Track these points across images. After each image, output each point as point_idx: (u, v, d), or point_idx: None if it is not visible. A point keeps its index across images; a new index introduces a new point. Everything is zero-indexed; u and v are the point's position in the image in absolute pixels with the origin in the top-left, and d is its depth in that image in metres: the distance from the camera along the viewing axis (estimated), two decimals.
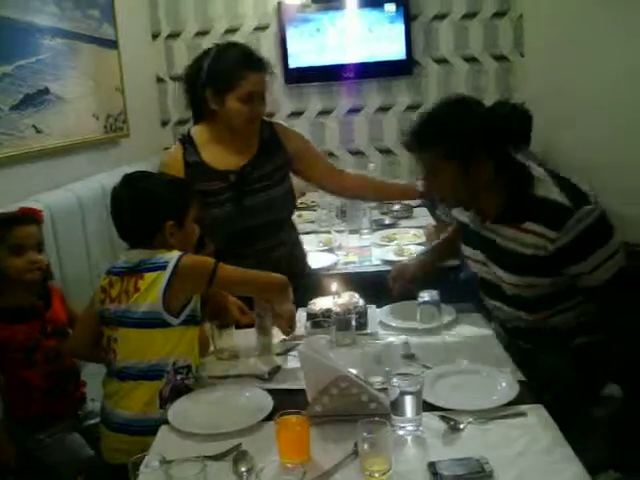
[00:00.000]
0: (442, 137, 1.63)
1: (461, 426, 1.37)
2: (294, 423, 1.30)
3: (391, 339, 1.81)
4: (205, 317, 1.85)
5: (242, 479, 1.25)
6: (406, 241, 2.88)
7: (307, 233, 2.97)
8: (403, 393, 1.37)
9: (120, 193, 1.74)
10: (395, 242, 2.88)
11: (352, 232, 3.02)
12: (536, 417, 1.39)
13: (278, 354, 1.81)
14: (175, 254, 1.65)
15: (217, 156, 2.12)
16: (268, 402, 1.51)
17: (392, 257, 2.64)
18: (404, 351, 1.73)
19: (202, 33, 4.29)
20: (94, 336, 1.76)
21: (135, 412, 1.63)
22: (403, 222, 3.33)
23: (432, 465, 1.24)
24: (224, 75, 2.01)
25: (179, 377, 1.66)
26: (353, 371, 1.49)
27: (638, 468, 1.63)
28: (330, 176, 2.31)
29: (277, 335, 1.85)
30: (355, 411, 1.39)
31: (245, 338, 1.87)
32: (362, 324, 1.89)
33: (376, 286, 2.21)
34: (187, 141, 2.15)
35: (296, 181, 2.28)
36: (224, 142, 2.13)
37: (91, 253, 2.63)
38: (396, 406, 1.38)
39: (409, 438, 1.36)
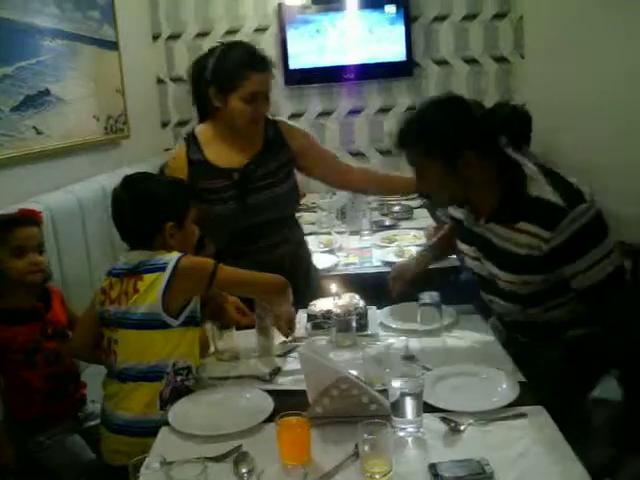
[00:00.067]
0: (422, 136, 1.62)
1: (462, 427, 1.37)
2: (295, 424, 1.30)
3: (391, 340, 1.81)
4: (205, 317, 1.86)
5: None
6: (406, 242, 2.88)
7: (307, 234, 2.95)
8: (404, 394, 1.37)
9: (120, 194, 1.74)
10: (395, 243, 2.89)
11: (352, 233, 3.02)
12: (537, 418, 1.39)
13: (278, 355, 1.81)
14: (174, 255, 1.65)
15: (221, 154, 2.12)
16: (269, 403, 1.51)
17: (392, 258, 2.64)
18: (404, 352, 1.73)
19: (202, 34, 4.29)
20: (94, 337, 1.76)
21: (135, 413, 1.63)
22: (403, 223, 3.34)
23: (433, 466, 1.24)
24: (228, 75, 2.01)
25: (179, 378, 1.66)
26: (353, 372, 1.50)
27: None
28: (335, 172, 2.31)
29: (277, 336, 1.84)
30: (356, 412, 1.39)
31: (245, 339, 1.87)
32: (362, 325, 1.90)
33: (376, 287, 2.21)
34: (191, 140, 2.16)
35: (298, 179, 2.29)
36: (228, 140, 2.13)
37: (91, 254, 2.63)
38: (397, 407, 1.38)
39: (410, 439, 1.36)
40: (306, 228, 3.17)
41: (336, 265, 2.68)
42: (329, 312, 1.88)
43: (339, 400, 1.40)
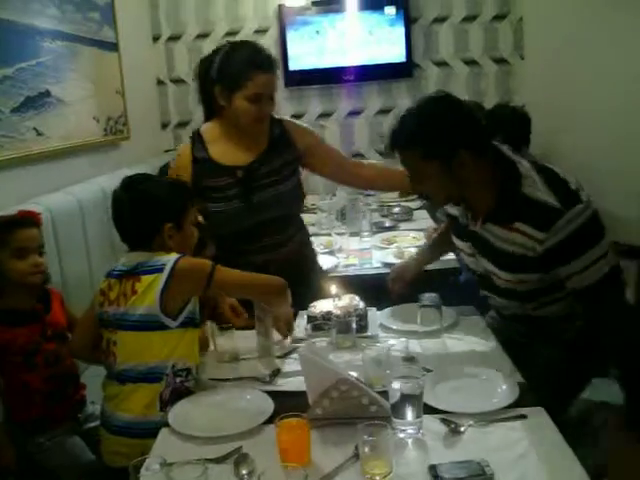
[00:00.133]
0: (417, 139, 1.60)
1: (462, 429, 1.37)
2: (295, 426, 1.30)
3: (391, 342, 1.81)
4: (205, 317, 1.86)
5: None
6: (406, 244, 2.89)
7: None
8: (404, 396, 1.37)
9: (120, 196, 1.75)
10: (395, 245, 2.89)
11: (352, 235, 3.02)
12: (537, 419, 1.39)
13: (279, 356, 1.81)
14: (172, 256, 1.65)
15: (226, 152, 2.13)
16: (269, 405, 1.51)
17: (392, 260, 2.64)
18: (404, 354, 1.73)
19: (203, 36, 4.30)
20: (93, 339, 1.76)
21: (135, 415, 1.63)
22: (403, 225, 3.34)
23: (433, 468, 1.24)
24: (232, 74, 2.02)
25: (179, 380, 1.66)
26: (353, 374, 1.50)
27: None
28: (343, 169, 2.32)
29: (278, 337, 1.84)
30: (356, 414, 1.39)
31: (246, 340, 1.87)
32: (362, 327, 1.90)
33: (376, 289, 2.22)
34: (196, 138, 2.17)
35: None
36: (234, 139, 2.14)
37: (91, 256, 2.62)
38: (397, 409, 1.38)
39: (410, 441, 1.36)
40: None
41: (336, 266, 2.68)
42: (329, 313, 1.88)
43: (339, 401, 1.40)
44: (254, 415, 1.47)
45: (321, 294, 2.02)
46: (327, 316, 1.88)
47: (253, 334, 1.85)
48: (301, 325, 1.95)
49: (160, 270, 1.62)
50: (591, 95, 3.10)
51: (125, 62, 3.52)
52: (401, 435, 1.37)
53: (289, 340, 1.83)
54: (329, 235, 3.03)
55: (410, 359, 1.70)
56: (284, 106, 4.29)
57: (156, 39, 4.33)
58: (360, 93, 4.35)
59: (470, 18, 4.22)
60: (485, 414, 1.42)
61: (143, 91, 4.10)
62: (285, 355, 1.81)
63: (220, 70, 2.04)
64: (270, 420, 1.42)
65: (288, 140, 2.18)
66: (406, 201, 3.72)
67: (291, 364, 1.76)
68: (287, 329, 1.78)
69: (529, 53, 4.14)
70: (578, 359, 1.77)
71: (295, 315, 1.93)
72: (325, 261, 2.69)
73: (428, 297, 1.84)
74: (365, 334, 1.89)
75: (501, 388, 1.52)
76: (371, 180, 2.37)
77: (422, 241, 2.87)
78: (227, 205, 2.09)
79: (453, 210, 1.86)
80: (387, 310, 2.06)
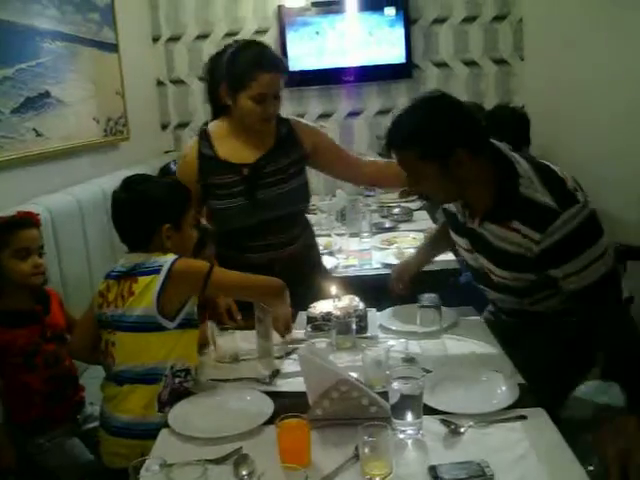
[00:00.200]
0: (414, 139, 1.59)
1: (462, 430, 1.37)
2: (295, 427, 1.30)
3: (391, 342, 1.81)
4: (206, 317, 1.86)
5: None
6: (406, 244, 2.89)
7: None
8: (403, 397, 1.37)
9: (119, 196, 1.75)
10: (395, 245, 2.89)
11: (352, 235, 3.02)
12: (536, 420, 1.39)
13: (278, 357, 1.81)
14: (170, 257, 1.65)
15: (232, 150, 2.14)
16: (269, 405, 1.51)
17: (392, 260, 2.64)
18: (404, 355, 1.73)
19: (202, 36, 4.30)
20: (93, 340, 1.77)
21: (134, 416, 1.63)
22: (403, 225, 3.34)
23: (433, 469, 1.24)
24: (237, 74, 2.02)
25: (177, 380, 1.66)
26: (353, 375, 1.50)
27: None
28: (351, 167, 2.32)
29: (278, 338, 1.84)
30: (356, 415, 1.39)
31: (245, 341, 1.87)
32: (362, 327, 1.89)
33: (376, 289, 2.22)
34: (203, 135, 2.18)
35: None
36: (241, 137, 2.14)
37: (91, 257, 2.62)
38: (396, 410, 1.38)
39: (410, 442, 1.36)
40: None
41: (336, 267, 2.68)
42: (329, 314, 1.88)
43: (339, 402, 1.40)
44: (254, 416, 1.47)
45: (325, 294, 2.02)
46: (327, 317, 1.88)
47: (253, 335, 1.85)
48: (300, 326, 1.95)
49: (157, 271, 1.62)
50: (591, 96, 3.11)
51: (125, 63, 3.52)
52: (401, 436, 1.36)
53: (289, 338, 1.83)
54: (329, 236, 3.03)
55: (410, 360, 1.70)
56: (284, 107, 4.25)
57: (156, 40, 4.34)
58: (360, 94, 4.35)
59: (470, 19, 4.23)
60: (485, 415, 1.41)
61: (143, 92, 4.10)
62: (285, 356, 1.81)
63: (226, 69, 2.05)
64: (270, 421, 1.42)
65: (295, 139, 2.18)
66: (406, 202, 3.71)
67: (291, 365, 1.75)
68: (285, 329, 1.78)
69: (529, 54, 4.14)
70: (575, 353, 1.78)
71: (294, 316, 1.93)
72: (325, 262, 2.69)
73: (428, 298, 1.84)
74: (365, 335, 1.89)
75: (501, 389, 1.52)
76: (381, 178, 2.35)
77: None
78: (231, 202, 2.10)
79: (451, 206, 1.86)
80: (387, 311, 2.06)
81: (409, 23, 4.18)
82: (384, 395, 1.43)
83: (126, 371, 1.65)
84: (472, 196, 1.69)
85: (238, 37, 4.22)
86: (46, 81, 2.68)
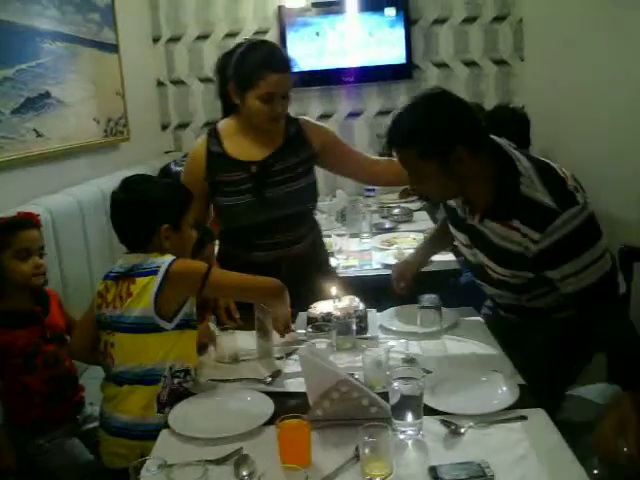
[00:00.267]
0: (414, 137, 1.59)
1: (462, 430, 1.37)
2: (295, 427, 1.30)
3: (391, 343, 1.81)
4: (205, 317, 1.86)
5: None
6: (406, 245, 2.88)
7: None
8: (404, 397, 1.37)
9: (118, 196, 1.75)
10: (395, 246, 2.89)
11: (352, 236, 3.02)
12: (537, 421, 1.40)
13: (279, 358, 1.81)
14: (167, 258, 1.65)
15: (240, 147, 2.14)
16: (269, 406, 1.51)
17: (392, 261, 2.63)
18: (404, 355, 1.73)
19: (203, 37, 4.30)
20: (92, 340, 1.77)
21: (133, 416, 1.63)
22: (403, 226, 3.34)
23: (433, 469, 1.24)
24: (245, 73, 2.03)
25: (177, 381, 1.66)
26: (354, 375, 1.50)
27: None
28: (362, 167, 2.32)
29: (278, 338, 1.84)
30: (356, 415, 1.40)
31: (246, 341, 1.87)
32: (362, 328, 1.90)
33: (376, 290, 2.22)
34: (213, 133, 2.18)
35: None
36: (250, 135, 2.15)
37: (91, 257, 2.62)
38: (397, 410, 1.38)
39: (410, 442, 1.36)
40: None
41: (336, 268, 2.68)
42: (329, 315, 1.88)
43: (339, 403, 1.40)
44: (254, 416, 1.47)
45: (326, 295, 2.02)
46: (327, 317, 1.88)
47: (253, 335, 1.85)
48: (299, 326, 1.95)
49: (154, 272, 1.62)
50: (591, 96, 3.11)
51: (125, 63, 3.52)
52: (401, 436, 1.36)
53: (289, 338, 1.83)
54: (329, 236, 3.02)
55: (410, 360, 1.70)
56: None
57: (156, 40, 4.34)
58: (360, 94, 4.35)
59: (470, 19, 4.23)
60: (485, 415, 1.42)
61: (143, 92, 4.10)
62: (285, 356, 1.81)
63: (234, 68, 2.06)
64: (270, 421, 1.42)
65: (304, 139, 2.19)
66: (406, 202, 3.72)
67: (291, 365, 1.75)
68: (285, 329, 1.79)
69: (529, 54, 4.14)
70: (573, 352, 1.79)
71: (295, 316, 1.94)
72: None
73: (428, 298, 1.84)
74: (365, 335, 1.89)
75: (501, 389, 1.52)
76: (392, 176, 2.31)
77: None
78: (239, 199, 2.10)
79: (451, 202, 1.86)
80: (387, 311, 2.06)
81: (409, 23, 4.18)
82: (384, 396, 1.43)
83: (125, 372, 1.65)
84: (472, 192, 1.69)
85: (238, 38, 4.23)
86: (46, 81, 2.67)
